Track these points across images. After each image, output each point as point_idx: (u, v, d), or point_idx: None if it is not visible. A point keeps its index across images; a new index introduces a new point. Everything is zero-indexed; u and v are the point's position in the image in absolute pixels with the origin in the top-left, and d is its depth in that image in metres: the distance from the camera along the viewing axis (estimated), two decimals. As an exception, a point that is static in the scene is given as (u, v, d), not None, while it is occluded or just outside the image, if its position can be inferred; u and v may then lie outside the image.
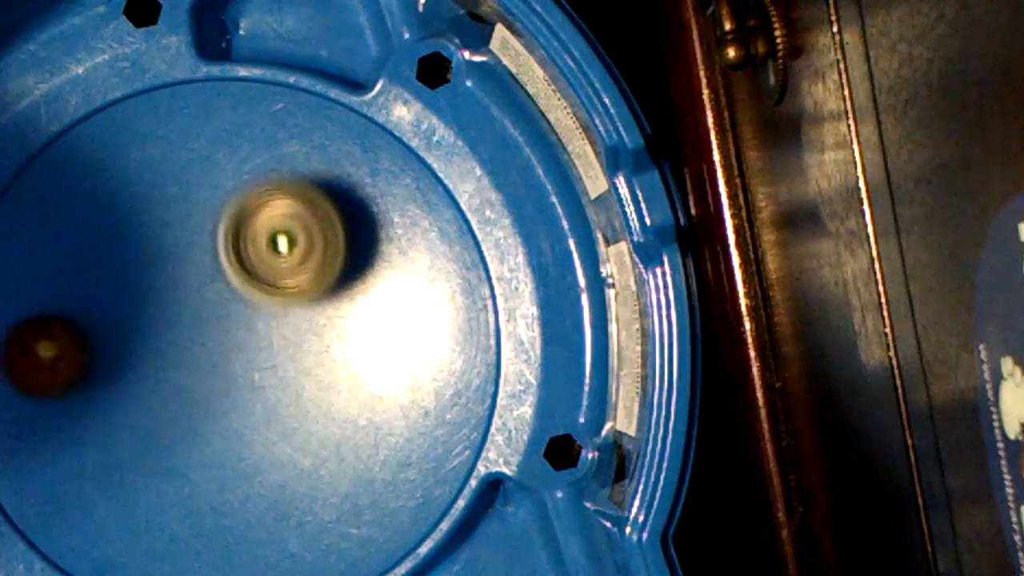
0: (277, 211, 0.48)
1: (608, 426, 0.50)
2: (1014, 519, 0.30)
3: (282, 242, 0.48)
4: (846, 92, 0.35)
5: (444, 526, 0.51)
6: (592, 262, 0.50)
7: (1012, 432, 0.29)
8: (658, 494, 0.47)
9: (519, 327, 0.51)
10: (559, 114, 0.50)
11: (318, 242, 0.48)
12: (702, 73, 0.47)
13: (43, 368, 0.49)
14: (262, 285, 0.48)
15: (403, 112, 0.51)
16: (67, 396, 0.50)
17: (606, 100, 0.47)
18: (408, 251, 0.51)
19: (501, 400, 0.50)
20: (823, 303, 0.41)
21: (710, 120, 0.47)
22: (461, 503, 0.51)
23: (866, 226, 0.35)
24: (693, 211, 0.49)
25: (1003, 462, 0.30)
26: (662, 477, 0.47)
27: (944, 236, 0.31)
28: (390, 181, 0.51)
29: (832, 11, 0.35)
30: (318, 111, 0.51)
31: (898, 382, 0.36)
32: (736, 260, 0.47)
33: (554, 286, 0.51)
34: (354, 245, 0.51)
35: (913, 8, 0.30)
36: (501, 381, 0.51)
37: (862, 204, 0.35)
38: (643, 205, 0.48)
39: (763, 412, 0.47)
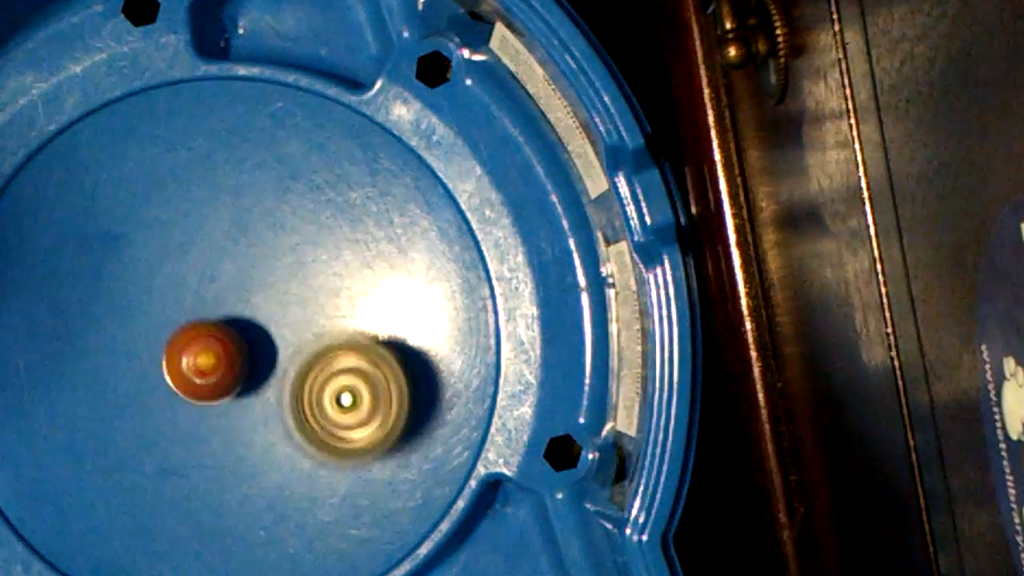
0: (342, 367, 0.49)
1: (608, 426, 0.50)
2: (1016, 519, 0.30)
3: (346, 399, 0.49)
4: (848, 91, 0.35)
5: (444, 527, 0.51)
6: (592, 262, 0.50)
7: (1014, 432, 0.29)
8: (658, 495, 0.47)
9: (519, 327, 0.51)
10: (559, 113, 0.50)
11: (383, 400, 0.49)
12: (703, 72, 0.47)
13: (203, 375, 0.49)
14: (327, 445, 0.49)
15: (403, 111, 0.51)
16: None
17: (606, 99, 0.47)
18: (408, 251, 0.51)
19: (501, 400, 0.50)
20: (824, 303, 0.41)
21: (711, 119, 0.47)
22: (461, 504, 0.51)
23: (868, 226, 0.35)
24: (694, 210, 0.49)
25: (1005, 462, 0.30)
26: (662, 478, 0.47)
27: (946, 236, 0.31)
28: (389, 180, 0.51)
29: (833, 10, 0.35)
30: (317, 110, 0.51)
31: (900, 382, 0.36)
32: (737, 260, 0.47)
33: (554, 286, 0.51)
34: (351, 246, 0.51)
35: (915, 7, 0.30)
36: (501, 381, 0.51)
37: (864, 203, 0.35)
38: (643, 205, 0.48)
39: (764, 412, 0.47)
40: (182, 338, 0.49)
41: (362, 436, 0.49)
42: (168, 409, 0.51)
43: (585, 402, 0.50)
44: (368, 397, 0.49)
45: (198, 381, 0.49)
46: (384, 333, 0.51)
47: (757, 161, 0.45)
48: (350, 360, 0.49)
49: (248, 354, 0.50)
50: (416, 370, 0.51)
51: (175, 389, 0.49)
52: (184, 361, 0.49)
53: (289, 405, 0.49)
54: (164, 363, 0.49)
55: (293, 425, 0.49)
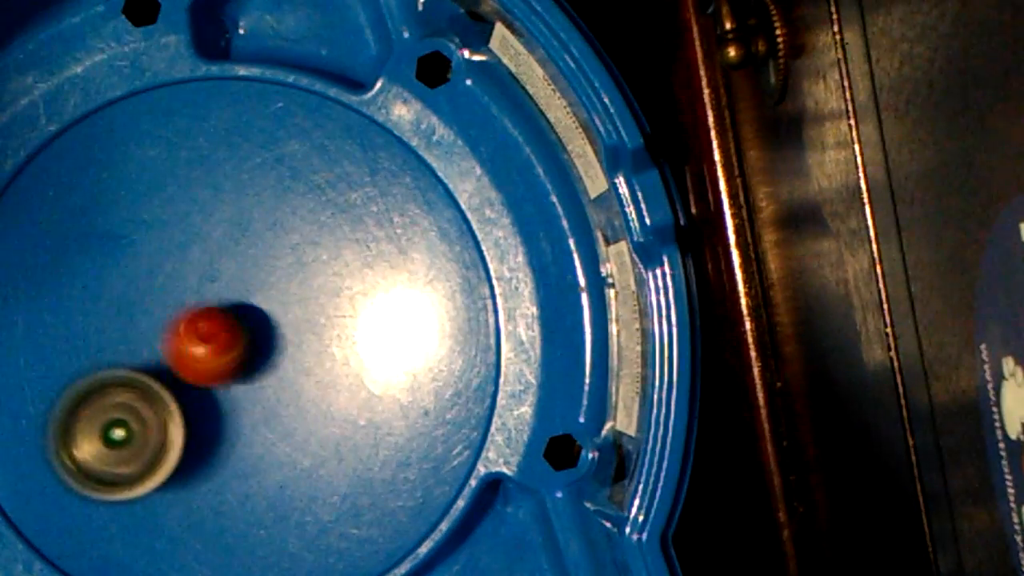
0: (109, 402, 0.49)
1: (608, 426, 0.50)
2: (1015, 519, 0.30)
3: (117, 434, 0.48)
4: (847, 91, 0.35)
5: (444, 526, 0.51)
6: (592, 262, 0.50)
7: (1013, 432, 0.29)
8: (658, 494, 0.47)
9: (519, 327, 0.51)
10: (559, 113, 0.50)
11: (153, 435, 0.49)
12: (702, 72, 0.47)
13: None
14: (94, 483, 0.49)
15: (403, 111, 0.51)
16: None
17: (606, 99, 0.47)
18: (408, 251, 0.51)
19: (501, 400, 0.50)
20: (824, 303, 0.41)
21: (711, 119, 0.47)
22: (461, 503, 0.51)
23: (867, 226, 0.35)
24: (693, 211, 0.49)
25: (1004, 462, 0.30)
26: (662, 477, 0.47)
27: (945, 236, 0.31)
28: (390, 180, 0.51)
29: (833, 10, 0.35)
30: (317, 110, 0.51)
31: (899, 382, 0.36)
32: (736, 260, 0.47)
33: (554, 286, 0.51)
34: (351, 245, 0.51)
35: (914, 7, 0.30)
36: (501, 381, 0.51)
37: (863, 204, 0.35)
38: (643, 205, 0.48)
39: (763, 412, 0.47)
40: (184, 317, 0.49)
41: (131, 470, 0.49)
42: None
43: (585, 402, 0.50)
44: (139, 433, 0.49)
45: (199, 351, 0.48)
46: (384, 332, 0.52)
47: (757, 161, 0.45)
48: (123, 395, 0.49)
49: (250, 339, 0.50)
50: (416, 370, 0.51)
51: (176, 367, 0.49)
52: (186, 335, 0.48)
53: (53, 444, 0.49)
54: (166, 343, 0.49)
55: (60, 467, 0.49)
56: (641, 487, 0.47)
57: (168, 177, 0.51)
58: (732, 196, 0.47)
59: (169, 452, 0.49)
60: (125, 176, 0.51)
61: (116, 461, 0.49)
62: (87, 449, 0.49)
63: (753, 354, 0.47)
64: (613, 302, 0.50)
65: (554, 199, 0.51)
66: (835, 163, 0.37)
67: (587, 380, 0.50)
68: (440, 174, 0.51)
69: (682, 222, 0.48)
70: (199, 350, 0.49)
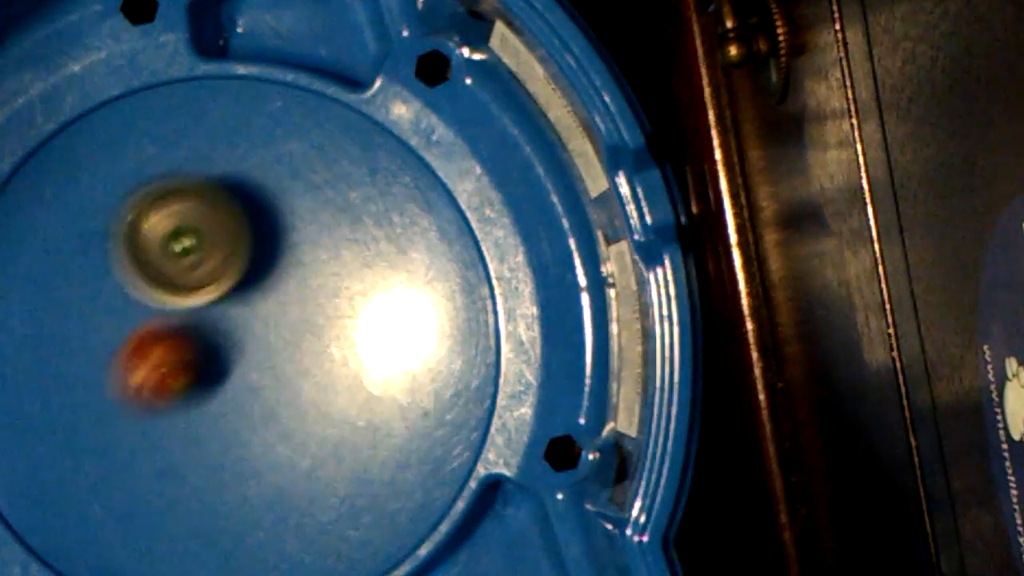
0: (173, 210, 0.48)
1: (609, 427, 0.50)
2: (1019, 521, 0.30)
3: (182, 240, 0.48)
4: (849, 90, 0.35)
5: (443, 528, 0.51)
6: (592, 262, 0.50)
7: (1016, 433, 0.29)
8: (659, 495, 0.47)
9: (519, 327, 0.51)
10: (559, 112, 0.50)
11: (218, 241, 0.48)
12: (703, 71, 0.47)
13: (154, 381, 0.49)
14: (160, 286, 0.48)
15: (402, 110, 0.51)
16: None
17: (606, 98, 0.47)
18: (407, 250, 0.51)
19: (501, 401, 0.50)
20: (826, 303, 0.41)
21: (711, 119, 0.47)
22: (460, 505, 0.51)
23: (869, 226, 0.35)
24: (694, 210, 0.49)
25: (1007, 463, 0.30)
26: (663, 478, 0.47)
27: (948, 236, 0.31)
28: (389, 180, 0.51)
29: (835, 8, 0.35)
30: (316, 109, 0.51)
31: (901, 383, 0.36)
32: (738, 260, 0.47)
33: (554, 286, 0.51)
34: (351, 245, 0.51)
35: (917, 5, 0.30)
36: (501, 382, 0.50)
37: (865, 203, 0.35)
38: (644, 204, 0.48)
39: (765, 413, 0.47)
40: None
41: (198, 275, 0.48)
42: (166, 410, 0.51)
43: (585, 402, 0.50)
44: (205, 238, 0.48)
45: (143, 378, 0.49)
46: (383, 333, 0.51)
47: (758, 160, 0.45)
48: (187, 203, 0.48)
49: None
50: (416, 371, 0.51)
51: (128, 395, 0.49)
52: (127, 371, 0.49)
53: (125, 255, 0.48)
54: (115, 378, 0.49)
55: (132, 273, 0.48)
56: (642, 488, 0.47)
57: (166, 176, 0.51)
58: (733, 195, 0.47)
59: (236, 261, 0.48)
60: (123, 175, 0.51)
61: (182, 269, 0.48)
62: (152, 255, 0.48)
63: (754, 354, 0.47)
64: (614, 302, 0.50)
65: (554, 198, 0.51)
66: (837, 162, 0.37)
67: (587, 381, 0.50)
68: (439, 173, 0.51)
69: (683, 222, 0.48)
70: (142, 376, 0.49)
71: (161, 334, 0.49)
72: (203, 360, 0.50)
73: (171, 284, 0.48)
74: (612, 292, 0.50)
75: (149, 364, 0.48)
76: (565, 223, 0.51)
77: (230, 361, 0.51)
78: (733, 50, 0.41)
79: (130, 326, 0.51)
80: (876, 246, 0.35)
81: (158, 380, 0.49)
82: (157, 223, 0.48)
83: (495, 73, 0.50)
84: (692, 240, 0.49)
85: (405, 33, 0.51)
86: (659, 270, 0.48)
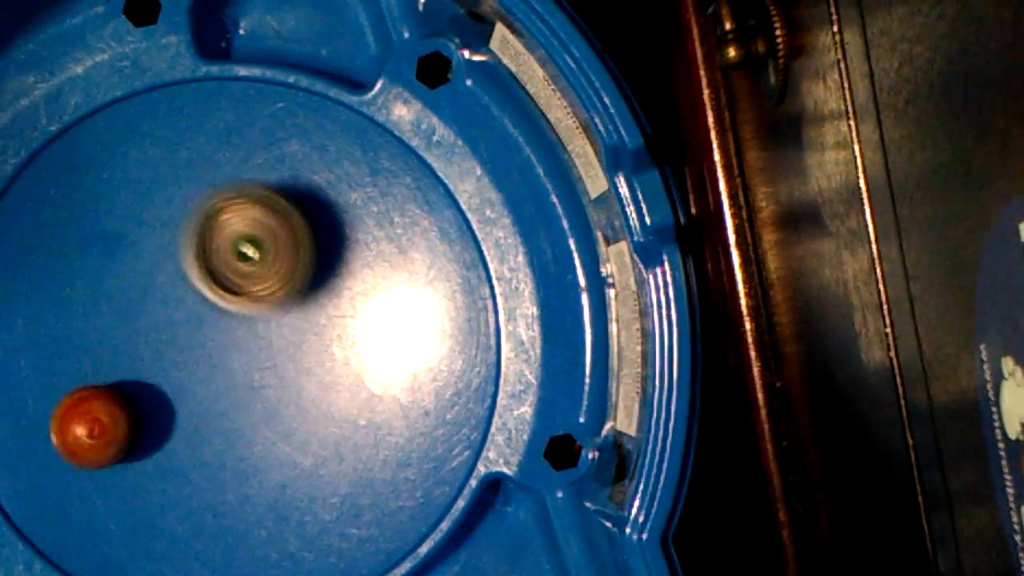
0: (243, 217, 0.48)
1: (608, 426, 0.50)
2: (1014, 519, 0.30)
3: (248, 249, 0.48)
4: (847, 92, 0.35)
5: (444, 526, 0.51)
6: (592, 262, 0.50)
7: (1013, 432, 0.29)
8: (658, 494, 0.47)
9: (519, 327, 0.51)
10: (559, 113, 0.50)
11: (284, 248, 0.48)
12: (702, 73, 0.47)
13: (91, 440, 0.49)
14: (228, 291, 0.48)
15: (403, 112, 0.51)
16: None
17: (606, 100, 0.47)
18: (408, 251, 0.51)
19: (501, 400, 0.50)
20: (823, 303, 0.41)
21: (710, 120, 0.47)
22: (461, 503, 0.51)
23: (867, 226, 0.35)
24: (693, 211, 0.49)
25: (1004, 462, 0.30)
26: (662, 477, 0.47)
27: (945, 236, 0.31)
28: (390, 181, 0.51)
29: (833, 10, 0.35)
30: (318, 111, 0.51)
31: (899, 382, 0.36)
32: (736, 260, 0.47)
33: (554, 286, 0.51)
34: (352, 246, 0.51)
35: (914, 8, 0.30)
36: (501, 381, 0.51)
37: (863, 204, 0.35)
38: (643, 205, 0.48)
39: (763, 412, 0.47)
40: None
41: (264, 284, 0.49)
42: (168, 408, 0.51)
43: (585, 401, 0.50)
44: (271, 247, 0.48)
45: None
46: (384, 332, 0.52)
47: (756, 161, 0.45)
48: (244, 211, 0.48)
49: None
50: (417, 370, 0.51)
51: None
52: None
53: (193, 258, 0.48)
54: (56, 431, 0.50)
55: (198, 277, 0.48)
56: (641, 487, 0.47)
57: (169, 177, 0.51)
58: (732, 196, 0.47)
59: (298, 269, 0.49)
60: (126, 176, 0.51)
61: (248, 275, 0.48)
62: (225, 267, 0.48)
63: (753, 354, 0.47)
64: (613, 302, 0.50)
65: (554, 199, 0.51)
66: (835, 163, 0.37)
67: (587, 380, 0.50)
68: (440, 174, 0.51)
69: (682, 222, 0.48)
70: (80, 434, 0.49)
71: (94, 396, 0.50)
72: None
73: (233, 287, 0.48)
74: (611, 292, 0.50)
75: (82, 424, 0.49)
76: (565, 224, 0.51)
77: (232, 360, 0.51)
78: (732, 52, 0.41)
79: (130, 325, 0.51)
80: (873, 246, 0.35)
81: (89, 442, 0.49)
82: (227, 226, 0.48)
83: (495, 75, 0.51)
84: (691, 240, 0.49)
85: (406, 35, 0.51)
86: (658, 270, 0.48)
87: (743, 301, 0.47)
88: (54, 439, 0.49)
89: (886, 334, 0.36)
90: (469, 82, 0.51)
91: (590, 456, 0.50)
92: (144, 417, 0.51)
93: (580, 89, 0.47)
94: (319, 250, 0.50)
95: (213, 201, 0.48)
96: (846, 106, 0.35)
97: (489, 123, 0.51)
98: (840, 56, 0.35)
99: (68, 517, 0.51)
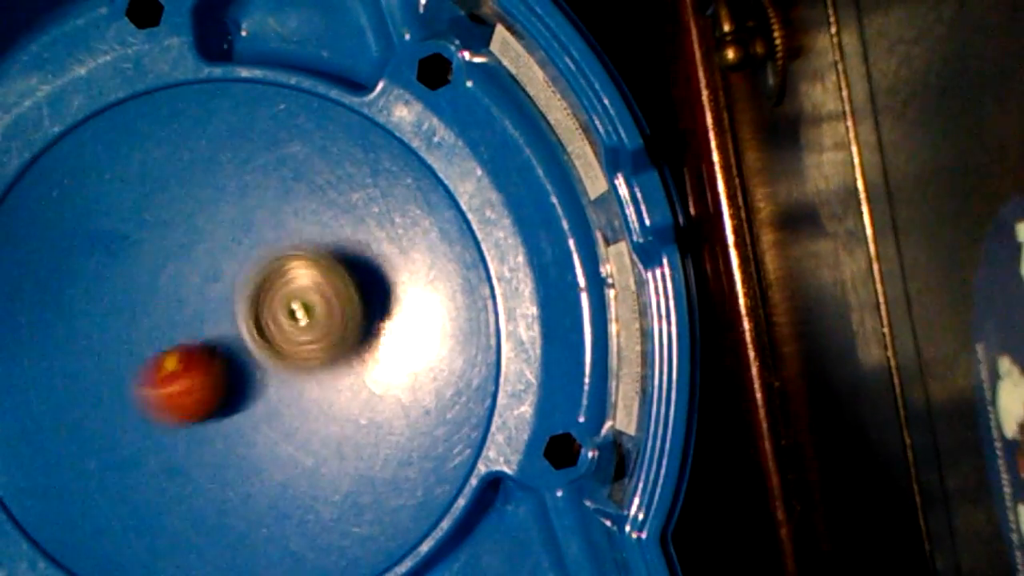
0: (296, 280, 0.49)
1: (608, 425, 0.50)
2: (1011, 518, 0.30)
3: (299, 310, 0.48)
4: (844, 93, 0.35)
5: (445, 524, 0.51)
6: (592, 262, 0.50)
7: (1009, 431, 0.29)
8: (657, 492, 0.47)
9: (519, 327, 0.51)
10: (559, 115, 0.50)
11: (335, 310, 0.49)
12: (701, 74, 0.47)
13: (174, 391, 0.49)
14: (280, 352, 0.49)
15: (404, 113, 0.51)
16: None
17: (605, 101, 0.47)
18: (409, 251, 0.51)
19: (501, 399, 0.50)
20: (822, 303, 0.41)
21: (709, 121, 0.47)
22: (461, 502, 0.51)
23: (864, 226, 0.35)
24: (692, 211, 0.49)
25: (1000, 461, 0.30)
26: (661, 475, 0.47)
27: (942, 236, 0.31)
28: (391, 181, 0.51)
29: (831, 12, 0.35)
30: (319, 112, 0.51)
31: (896, 381, 0.36)
32: (735, 260, 0.47)
33: (554, 286, 0.51)
34: (353, 246, 0.51)
35: (911, 9, 0.30)
36: (501, 380, 0.51)
37: (860, 205, 0.35)
38: (643, 205, 0.48)
39: (762, 411, 0.47)
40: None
41: (314, 345, 0.49)
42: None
43: (585, 401, 0.50)
44: (320, 308, 0.48)
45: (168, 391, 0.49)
46: (385, 332, 0.52)
47: (755, 162, 0.45)
48: (303, 272, 0.49)
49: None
50: (417, 369, 0.51)
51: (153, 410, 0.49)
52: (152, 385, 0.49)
53: (245, 317, 0.49)
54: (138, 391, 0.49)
55: (249, 337, 0.49)
56: (641, 485, 0.47)
57: (171, 178, 0.51)
58: (731, 197, 0.47)
59: (348, 328, 0.49)
60: (128, 177, 0.51)
61: (299, 335, 0.49)
62: (273, 322, 0.49)
63: (751, 354, 0.47)
64: (613, 302, 0.50)
65: (554, 200, 0.51)
66: (832, 164, 0.37)
67: (587, 379, 0.50)
68: (441, 175, 0.51)
69: (681, 223, 0.48)
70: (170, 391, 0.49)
71: (194, 355, 0.49)
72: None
73: (281, 349, 0.49)
74: (611, 292, 0.50)
75: (179, 384, 0.49)
76: (565, 224, 0.51)
77: (234, 360, 0.51)
78: (730, 53, 0.41)
79: (133, 325, 0.51)
80: (871, 247, 0.35)
81: (184, 399, 0.49)
82: (279, 287, 0.49)
83: (496, 76, 0.51)
84: (690, 241, 0.49)
85: (407, 37, 0.51)
86: (657, 270, 0.48)
87: (742, 301, 0.47)
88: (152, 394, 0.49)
89: (884, 334, 0.36)
90: (470, 84, 0.51)
91: (590, 455, 0.50)
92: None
93: (580, 91, 0.47)
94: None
95: (272, 261, 0.49)
96: (844, 107, 0.35)
97: (489, 124, 0.51)
98: (838, 57, 0.35)
99: (71, 516, 0.51)
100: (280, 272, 0.48)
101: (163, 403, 0.48)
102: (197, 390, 0.49)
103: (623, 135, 0.47)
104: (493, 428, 0.50)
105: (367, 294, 0.50)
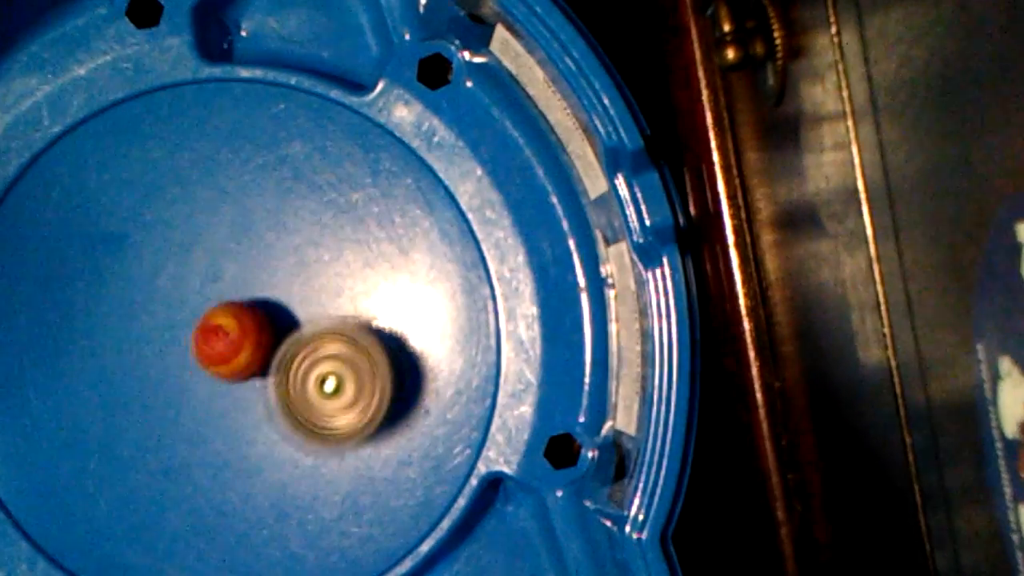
0: (326, 354, 0.49)
1: (608, 425, 0.50)
2: (1012, 518, 0.30)
3: (330, 384, 0.48)
4: (845, 93, 0.35)
5: (445, 525, 0.51)
6: (592, 262, 0.50)
7: (1010, 431, 0.29)
8: (657, 493, 0.47)
9: (519, 327, 0.50)
10: (559, 115, 0.50)
11: (366, 386, 0.49)
12: (701, 74, 0.47)
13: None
14: (310, 429, 0.49)
15: (404, 113, 0.51)
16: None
17: (606, 101, 0.47)
18: (409, 251, 0.51)
19: (501, 399, 0.50)
20: (822, 303, 0.41)
21: (709, 121, 0.47)
22: (461, 502, 0.50)
23: (865, 226, 0.35)
24: (692, 212, 0.49)
25: (1001, 461, 0.30)
26: (661, 476, 0.47)
27: (942, 236, 0.31)
28: (391, 181, 0.51)
29: (831, 12, 0.35)
30: (319, 112, 0.51)
31: (896, 381, 0.36)
32: (735, 260, 0.47)
33: (554, 286, 0.50)
34: (353, 246, 0.51)
35: (911, 9, 0.30)
36: (501, 380, 0.50)
37: (860, 205, 0.35)
38: (643, 206, 0.48)
39: (762, 411, 0.47)
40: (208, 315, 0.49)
41: (345, 422, 0.49)
42: (171, 409, 0.51)
43: (585, 401, 0.50)
44: (352, 383, 0.49)
45: (219, 347, 0.49)
46: (384, 327, 0.51)
47: (755, 162, 0.45)
48: (335, 347, 0.49)
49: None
50: (417, 369, 0.51)
51: (201, 360, 0.49)
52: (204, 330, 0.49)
53: (275, 393, 0.49)
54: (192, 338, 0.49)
55: (281, 415, 0.49)
56: (641, 486, 0.47)
57: (171, 178, 0.51)
58: (731, 197, 0.47)
59: (379, 402, 0.49)
60: (128, 177, 0.51)
61: (331, 410, 0.49)
62: (304, 398, 0.49)
63: (752, 354, 0.47)
64: (613, 302, 0.50)
65: (554, 200, 0.51)
66: (833, 164, 0.37)
67: (587, 379, 0.50)
68: (441, 175, 0.51)
69: (681, 223, 0.48)
70: (219, 347, 0.49)
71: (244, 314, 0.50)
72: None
73: (313, 426, 0.49)
74: (611, 292, 0.50)
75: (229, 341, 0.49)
76: (565, 224, 0.51)
77: (234, 360, 0.51)
78: (730, 53, 0.41)
79: (133, 325, 0.51)
80: (872, 247, 0.35)
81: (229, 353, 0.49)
82: (310, 364, 0.49)
83: (496, 76, 0.50)
84: (690, 241, 0.49)
85: (407, 37, 0.51)
86: (658, 271, 0.48)
87: (742, 301, 0.47)
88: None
89: (884, 334, 0.35)
90: (469, 84, 0.51)
91: (590, 455, 0.50)
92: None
93: (580, 91, 0.47)
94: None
95: (305, 336, 0.49)
96: (844, 107, 0.35)
97: (489, 124, 0.51)
98: (838, 57, 0.35)
99: (71, 516, 0.51)
100: (311, 350, 0.49)
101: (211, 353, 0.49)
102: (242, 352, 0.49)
103: (623, 135, 0.47)
104: (493, 428, 0.50)
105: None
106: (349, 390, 0.49)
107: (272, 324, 0.50)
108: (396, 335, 0.51)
